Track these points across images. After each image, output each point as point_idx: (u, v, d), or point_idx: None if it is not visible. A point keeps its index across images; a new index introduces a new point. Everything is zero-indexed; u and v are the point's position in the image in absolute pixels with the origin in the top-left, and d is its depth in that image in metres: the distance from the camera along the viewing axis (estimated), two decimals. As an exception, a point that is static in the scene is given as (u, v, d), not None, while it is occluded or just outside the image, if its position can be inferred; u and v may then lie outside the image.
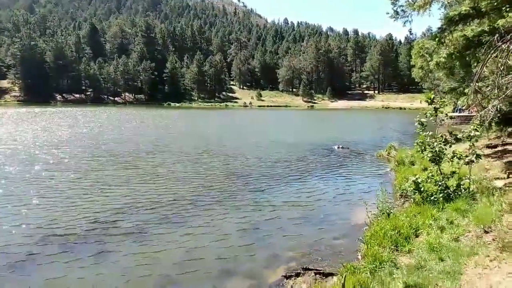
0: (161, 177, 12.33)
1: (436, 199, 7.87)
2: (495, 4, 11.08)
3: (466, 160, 8.21)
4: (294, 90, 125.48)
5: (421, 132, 8.62)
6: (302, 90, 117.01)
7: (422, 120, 8.63)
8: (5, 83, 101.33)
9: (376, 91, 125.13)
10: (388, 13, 10.59)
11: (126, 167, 13.97)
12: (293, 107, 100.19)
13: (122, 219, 8.25)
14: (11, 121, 34.92)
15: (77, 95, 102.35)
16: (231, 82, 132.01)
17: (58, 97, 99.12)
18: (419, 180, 8.16)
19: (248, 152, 18.15)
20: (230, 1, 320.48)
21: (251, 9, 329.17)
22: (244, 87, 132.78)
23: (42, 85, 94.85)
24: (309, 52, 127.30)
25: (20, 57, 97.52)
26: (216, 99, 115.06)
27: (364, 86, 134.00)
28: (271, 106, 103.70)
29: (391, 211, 7.63)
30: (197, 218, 8.43)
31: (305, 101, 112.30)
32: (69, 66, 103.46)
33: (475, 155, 8.12)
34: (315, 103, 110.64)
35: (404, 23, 10.94)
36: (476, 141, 8.69)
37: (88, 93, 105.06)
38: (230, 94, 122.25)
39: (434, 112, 8.73)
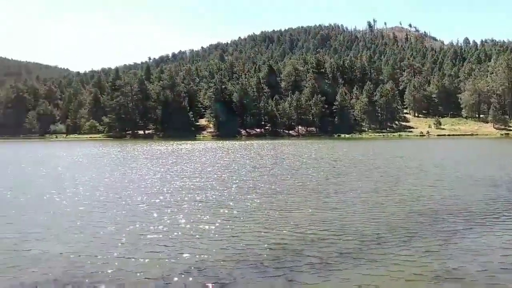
0: (340, 212, 12.60)
1: None
2: None
3: None
4: (481, 116, 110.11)
5: None
6: (492, 115, 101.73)
7: None
8: (203, 122, 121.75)
9: None
10: None
11: (310, 194, 14.86)
12: (481, 136, 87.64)
13: (306, 248, 8.72)
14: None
15: (258, 130, 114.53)
16: (404, 111, 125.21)
17: (243, 132, 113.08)
18: None
19: (434, 186, 16.91)
20: (400, 28, 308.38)
21: (424, 32, 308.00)
22: (420, 115, 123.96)
23: (230, 122, 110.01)
24: (499, 72, 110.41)
25: (214, 99, 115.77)
26: (388, 129, 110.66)
27: None
28: (452, 135, 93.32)
29: None
30: (380, 256, 8.21)
31: (497, 128, 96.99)
32: (251, 105, 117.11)
33: None
34: (511, 130, 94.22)
35: None
36: None
37: (267, 127, 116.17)
38: (404, 123, 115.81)
39: None
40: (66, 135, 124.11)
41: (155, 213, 12.48)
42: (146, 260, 8.08)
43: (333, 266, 7.70)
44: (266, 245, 9.06)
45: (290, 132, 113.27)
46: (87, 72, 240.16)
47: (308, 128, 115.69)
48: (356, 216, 11.94)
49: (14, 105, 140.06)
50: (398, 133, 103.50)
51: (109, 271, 7.51)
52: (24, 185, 19.31)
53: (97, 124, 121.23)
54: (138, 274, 7.37)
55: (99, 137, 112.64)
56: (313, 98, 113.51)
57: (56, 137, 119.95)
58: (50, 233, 10.22)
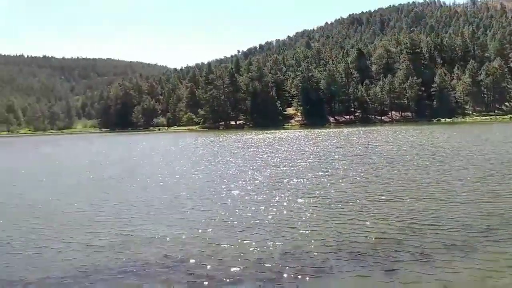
0: (443, 202, 11.59)
1: None
2: None
3: None
4: None
5: None
6: None
7: None
8: (290, 110, 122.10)
9: None
10: None
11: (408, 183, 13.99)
12: None
13: (406, 240, 8.25)
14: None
15: (347, 117, 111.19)
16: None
17: (331, 119, 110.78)
18: None
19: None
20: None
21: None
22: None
23: (318, 109, 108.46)
24: None
25: (301, 87, 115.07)
26: (496, 111, 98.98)
27: None
28: None
29: None
30: (491, 255, 7.33)
31: None
32: (339, 91, 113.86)
33: None
34: None
35: None
36: None
37: (357, 114, 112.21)
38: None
39: None
40: (167, 128, 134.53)
41: (248, 200, 12.93)
42: (241, 246, 8.42)
43: (437, 261, 7.17)
44: (362, 235, 8.80)
45: (383, 118, 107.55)
46: (183, 68, 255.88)
47: (403, 113, 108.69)
48: (462, 206, 10.93)
49: (122, 101, 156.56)
50: (509, 115, 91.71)
51: (206, 255, 7.97)
52: (130, 173, 21.47)
53: (194, 117, 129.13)
54: (233, 258, 7.71)
55: (196, 129, 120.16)
56: (408, 81, 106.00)
57: (159, 130, 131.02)
58: (154, 218, 11.23)
